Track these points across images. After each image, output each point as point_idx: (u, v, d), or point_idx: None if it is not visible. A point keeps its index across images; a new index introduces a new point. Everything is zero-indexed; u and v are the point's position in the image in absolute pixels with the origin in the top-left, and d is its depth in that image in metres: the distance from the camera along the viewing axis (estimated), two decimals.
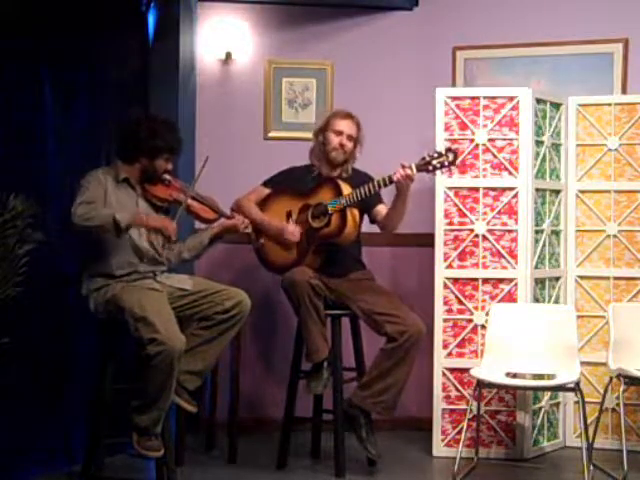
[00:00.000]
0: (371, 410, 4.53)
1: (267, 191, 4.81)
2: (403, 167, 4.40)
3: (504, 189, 4.94)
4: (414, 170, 4.41)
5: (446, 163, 4.42)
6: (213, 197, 4.54)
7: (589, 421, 4.70)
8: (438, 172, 4.48)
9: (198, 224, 4.75)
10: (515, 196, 4.92)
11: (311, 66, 5.49)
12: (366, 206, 4.66)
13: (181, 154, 4.54)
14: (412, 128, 5.38)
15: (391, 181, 4.46)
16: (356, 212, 4.62)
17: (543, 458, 4.96)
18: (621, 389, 4.46)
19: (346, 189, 4.57)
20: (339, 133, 4.67)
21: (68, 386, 4.75)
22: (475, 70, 5.45)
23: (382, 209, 4.68)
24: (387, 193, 4.64)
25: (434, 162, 4.42)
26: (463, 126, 4.98)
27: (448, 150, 4.45)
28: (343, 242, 4.61)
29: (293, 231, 4.64)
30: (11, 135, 4.51)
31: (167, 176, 4.41)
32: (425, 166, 4.43)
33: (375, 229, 4.86)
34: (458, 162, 4.52)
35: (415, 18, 5.52)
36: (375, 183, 4.50)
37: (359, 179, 4.67)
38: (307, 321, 4.53)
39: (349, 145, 4.68)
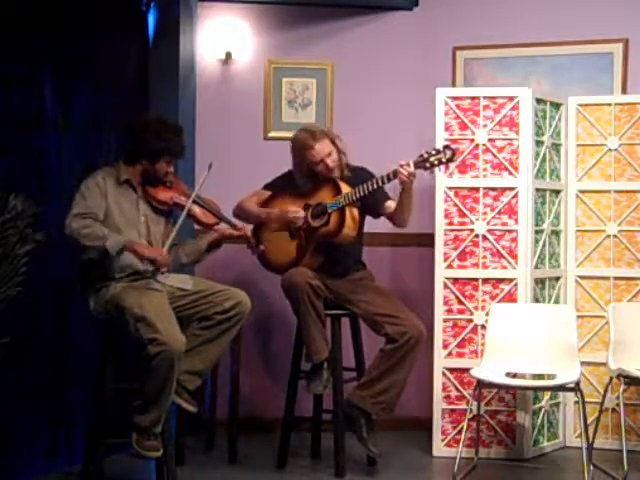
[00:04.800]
0: (370, 410, 4.52)
1: (268, 194, 4.81)
2: (402, 166, 4.41)
3: (504, 189, 4.95)
4: (412, 167, 4.41)
5: (444, 160, 4.43)
6: (214, 199, 4.53)
7: (589, 421, 4.70)
8: (436, 169, 4.48)
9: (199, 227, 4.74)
10: (515, 196, 4.92)
11: (311, 66, 5.49)
12: (373, 204, 4.65)
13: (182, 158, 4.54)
14: (412, 128, 5.38)
15: (389, 179, 4.46)
16: (355, 211, 4.62)
17: (543, 458, 4.96)
18: (621, 389, 4.46)
19: (345, 188, 4.57)
20: (320, 162, 4.62)
21: (68, 386, 4.75)
22: (475, 70, 5.45)
23: (391, 204, 4.67)
24: (390, 189, 4.64)
25: (432, 159, 4.42)
26: (463, 126, 4.98)
27: (446, 147, 4.45)
28: (341, 241, 4.61)
29: (296, 210, 4.63)
30: (11, 135, 4.51)
31: (170, 178, 4.40)
32: (423, 163, 4.43)
33: (375, 229, 4.86)
34: (456, 159, 4.53)
35: (415, 18, 5.52)
36: (374, 181, 4.49)
37: (356, 175, 4.67)
38: (307, 322, 4.53)
39: (334, 157, 4.63)
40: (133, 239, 4.25)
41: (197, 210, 4.42)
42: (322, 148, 4.61)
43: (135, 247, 4.20)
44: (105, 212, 4.24)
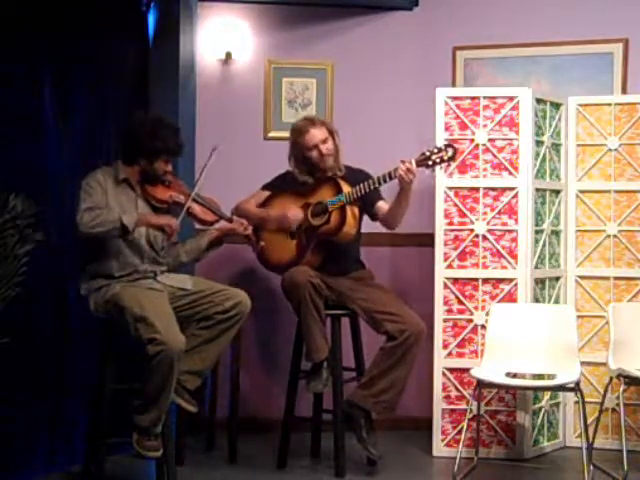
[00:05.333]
0: (371, 409, 4.53)
1: (266, 194, 4.81)
2: (403, 162, 4.42)
3: (504, 189, 4.94)
4: (414, 165, 4.42)
5: (445, 158, 4.44)
6: (213, 198, 4.53)
7: (589, 421, 4.70)
8: (437, 168, 4.48)
9: (199, 225, 4.74)
10: (515, 196, 4.92)
11: (311, 66, 5.49)
12: (367, 203, 4.66)
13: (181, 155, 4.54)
14: (412, 128, 5.38)
15: (390, 178, 4.47)
16: (356, 210, 4.62)
17: (543, 458, 4.96)
18: (621, 389, 4.46)
19: (346, 187, 4.58)
20: (314, 147, 4.65)
21: (68, 386, 4.75)
22: (475, 70, 5.45)
23: (383, 205, 4.68)
24: (388, 190, 4.64)
25: (433, 157, 4.44)
26: (463, 126, 4.98)
27: (448, 146, 4.46)
28: (342, 239, 4.61)
29: (295, 213, 4.64)
30: (11, 135, 4.50)
31: (168, 177, 4.40)
32: (425, 161, 4.44)
33: (375, 229, 4.86)
34: (457, 157, 4.54)
35: (415, 18, 5.52)
36: (375, 180, 4.50)
37: (355, 176, 4.67)
38: (308, 320, 4.53)
39: (329, 146, 4.66)
40: (134, 237, 4.27)
41: (196, 208, 4.43)
42: (318, 134, 4.64)
43: (147, 218, 4.25)
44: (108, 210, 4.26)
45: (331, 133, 4.69)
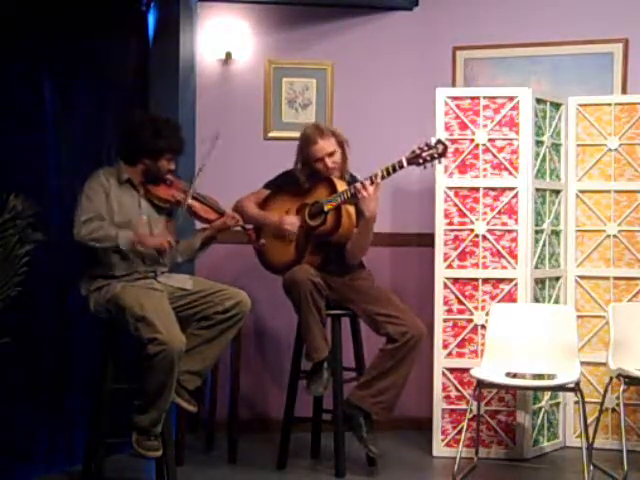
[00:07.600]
0: (369, 410, 4.52)
1: (267, 192, 4.81)
2: (363, 182, 4.45)
3: (504, 189, 4.95)
4: (405, 164, 4.42)
5: (436, 155, 4.44)
6: (214, 197, 4.53)
7: (589, 421, 4.70)
8: (429, 165, 4.48)
9: (199, 224, 4.74)
10: (515, 196, 4.92)
11: (311, 66, 5.49)
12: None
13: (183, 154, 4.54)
14: (412, 128, 5.37)
15: (383, 177, 4.46)
16: (351, 210, 4.59)
17: (543, 458, 4.96)
18: (621, 389, 4.46)
19: (341, 186, 4.57)
20: (321, 160, 4.63)
21: (68, 386, 4.75)
22: (475, 70, 5.45)
23: None
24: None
25: (424, 154, 4.44)
26: (463, 126, 4.98)
27: (438, 142, 4.46)
28: (339, 240, 4.60)
29: (291, 221, 4.64)
30: (11, 135, 4.50)
31: (169, 176, 4.41)
32: (415, 159, 4.44)
33: (375, 229, 4.84)
34: (449, 154, 4.54)
35: (415, 18, 5.52)
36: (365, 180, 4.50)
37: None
38: (308, 320, 4.52)
39: (335, 159, 4.63)
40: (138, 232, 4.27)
41: (197, 206, 4.43)
42: (325, 146, 4.61)
43: (142, 240, 4.23)
44: (106, 212, 4.25)
45: (340, 144, 4.65)
